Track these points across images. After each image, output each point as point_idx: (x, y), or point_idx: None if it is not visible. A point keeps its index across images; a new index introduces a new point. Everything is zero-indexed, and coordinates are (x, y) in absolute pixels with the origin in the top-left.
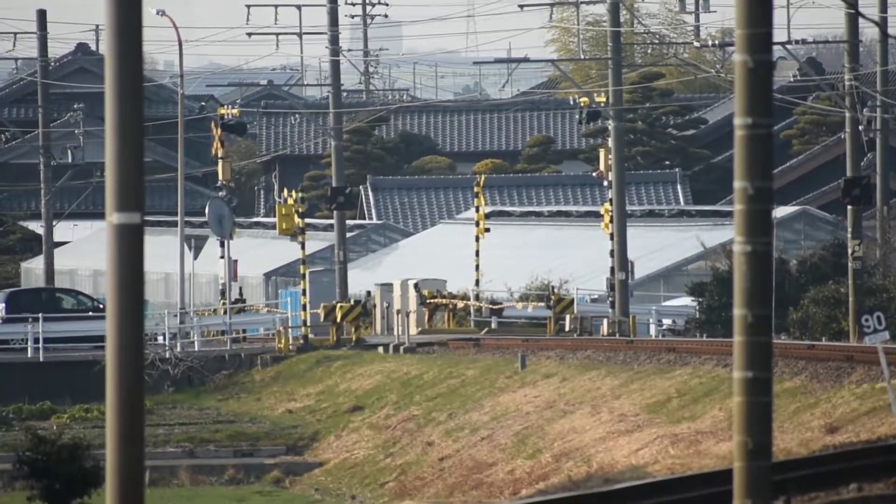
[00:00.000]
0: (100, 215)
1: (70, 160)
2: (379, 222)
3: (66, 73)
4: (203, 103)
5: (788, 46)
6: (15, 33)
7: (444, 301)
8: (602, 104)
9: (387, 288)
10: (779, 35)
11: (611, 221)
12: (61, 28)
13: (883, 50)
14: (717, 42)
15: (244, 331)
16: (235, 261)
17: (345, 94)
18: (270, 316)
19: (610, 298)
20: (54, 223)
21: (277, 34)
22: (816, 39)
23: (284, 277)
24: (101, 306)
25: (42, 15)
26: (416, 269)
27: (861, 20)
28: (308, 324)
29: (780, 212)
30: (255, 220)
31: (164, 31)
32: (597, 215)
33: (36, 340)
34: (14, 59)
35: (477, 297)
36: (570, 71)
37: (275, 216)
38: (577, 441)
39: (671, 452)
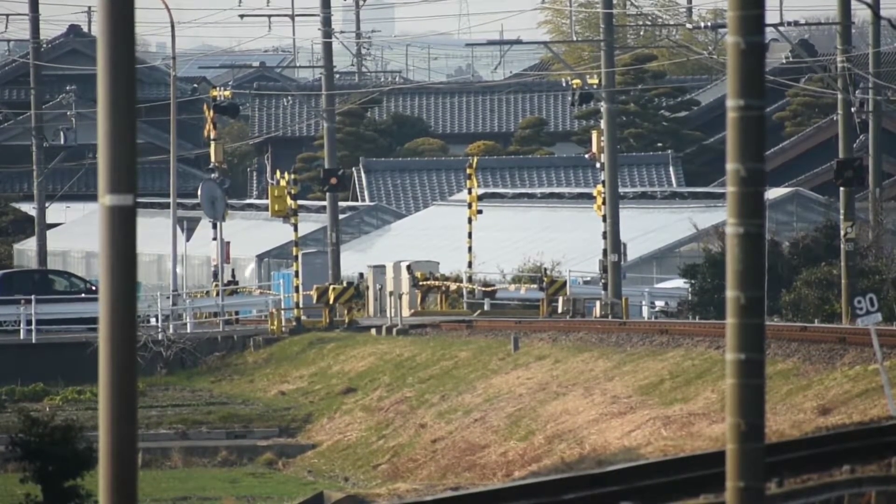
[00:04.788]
0: (92, 197)
1: (62, 142)
2: (371, 204)
3: (59, 54)
4: (195, 85)
5: (781, 28)
6: (7, 15)
7: (436, 283)
8: (594, 86)
9: (379, 270)
10: (771, 17)
11: (603, 203)
12: (53, 10)
13: (875, 32)
14: (709, 24)
15: (237, 313)
16: (228, 243)
17: (337, 75)
18: (263, 298)
19: (602, 280)
20: (47, 205)
21: (270, 16)
22: (809, 21)
23: (277, 259)
24: (94, 288)
25: None
26: (408, 250)
27: (853, 2)
28: (301, 306)
29: (772, 193)
30: (247, 201)
31: (156, 12)
32: (589, 197)
33: (29, 322)
34: (6, 41)
35: (470, 279)
36: (562, 53)
37: (267, 198)
38: (570, 423)
39: (664, 434)
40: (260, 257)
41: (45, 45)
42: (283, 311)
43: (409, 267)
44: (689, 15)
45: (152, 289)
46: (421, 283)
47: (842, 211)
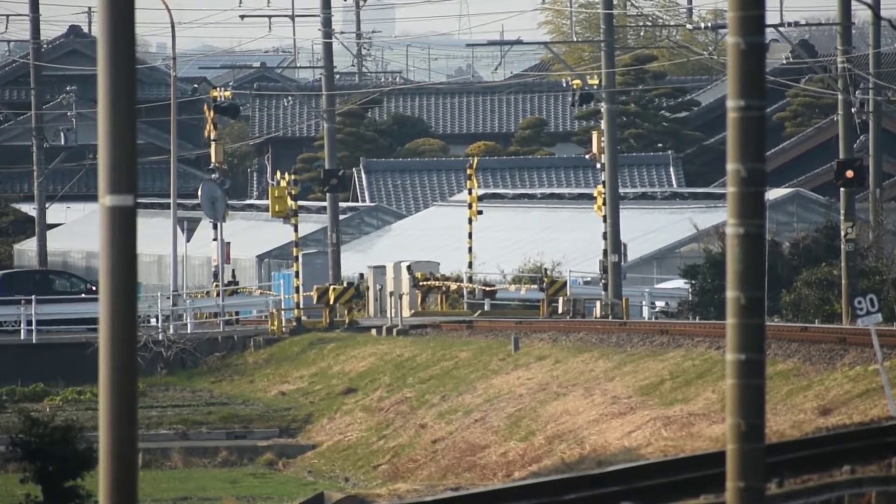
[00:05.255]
0: (93, 197)
1: (63, 142)
2: (372, 204)
3: (59, 55)
4: (196, 85)
5: (781, 29)
6: (7, 15)
7: (437, 283)
8: (595, 86)
9: (380, 270)
10: (771, 17)
11: (604, 204)
12: (54, 10)
13: (875, 32)
14: (709, 24)
15: (237, 313)
16: (228, 243)
17: (337, 76)
18: (263, 298)
19: (603, 281)
20: (47, 205)
21: (270, 16)
22: (809, 22)
23: (277, 260)
24: (94, 288)
25: None
26: (409, 251)
27: (854, 2)
28: (301, 306)
29: (772, 194)
30: (247, 202)
31: (156, 13)
32: (590, 198)
33: (29, 322)
34: (6, 42)
35: (470, 280)
36: (562, 53)
37: (268, 198)
38: (570, 423)
39: (664, 434)
40: (260, 258)
41: (45, 46)
42: (283, 312)
43: (409, 267)
44: (689, 15)
45: (153, 289)
46: (421, 283)
47: (842, 211)
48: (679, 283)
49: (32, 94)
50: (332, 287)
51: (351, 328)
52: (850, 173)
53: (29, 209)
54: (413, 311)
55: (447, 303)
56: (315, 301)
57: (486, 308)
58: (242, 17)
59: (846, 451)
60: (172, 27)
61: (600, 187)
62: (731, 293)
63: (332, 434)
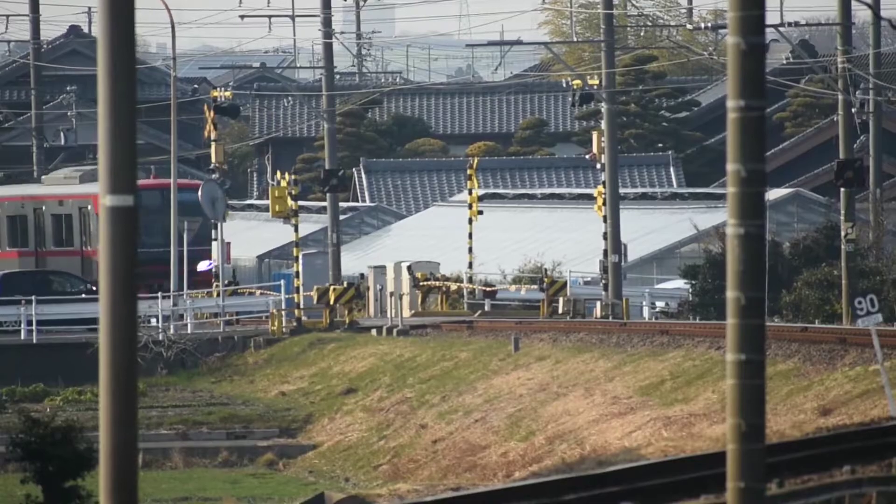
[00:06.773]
0: None
1: (63, 142)
2: (372, 205)
3: (59, 55)
4: (196, 86)
5: (781, 29)
6: (7, 16)
7: (437, 283)
8: (595, 87)
9: (380, 270)
10: (771, 17)
11: (604, 204)
12: (54, 10)
13: (875, 32)
14: (709, 24)
15: (237, 313)
16: (228, 243)
17: (337, 76)
18: (264, 298)
19: (603, 281)
20: None
21: (270, 16)
22: (809, 22)
23: (278, 260)
24: (94, 288)
25: None
26: (409, 251)
27: (854, 2)
28: (301, 306)
29: (772, 194)
30: (248, 202)
31: (156, 13)
32: (590, 198)
33: (29, 322)
34: (6, 42)
35: (470, 280)
36: (562, 53)
37: (268, 199)
38: (571, 423)
39: (664, 435)
40: (260, 258)
41: (45, 46)
42: (283, 312)
43: (409, 267)
44: (689, 16)
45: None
46: (421, 283)
47: (842, 211)
48: (679, 284)
49: (32, 94)
50: (332, 287)
51: (351, 328)
52: (850, 173)
53: None
54: (413, 312)
55: (447, 303)
56: (315, 301)
57: (487, 308)
58: (242, 17)
59: (846, 451)
60: (172, 27)
61: (600, 187)
62: (731, 293)
63: (333, 434)
